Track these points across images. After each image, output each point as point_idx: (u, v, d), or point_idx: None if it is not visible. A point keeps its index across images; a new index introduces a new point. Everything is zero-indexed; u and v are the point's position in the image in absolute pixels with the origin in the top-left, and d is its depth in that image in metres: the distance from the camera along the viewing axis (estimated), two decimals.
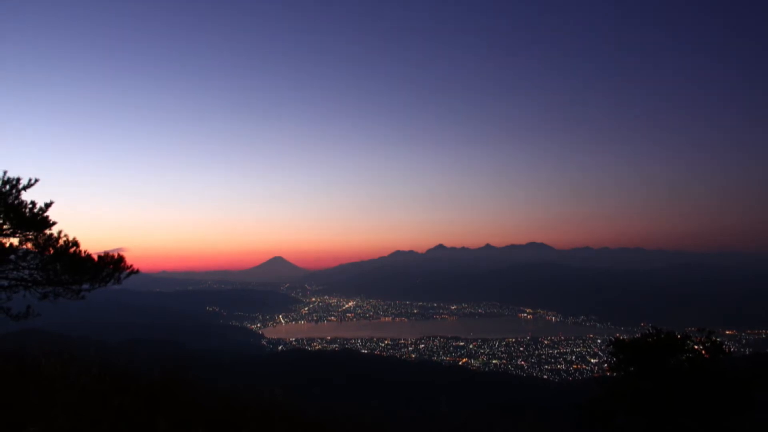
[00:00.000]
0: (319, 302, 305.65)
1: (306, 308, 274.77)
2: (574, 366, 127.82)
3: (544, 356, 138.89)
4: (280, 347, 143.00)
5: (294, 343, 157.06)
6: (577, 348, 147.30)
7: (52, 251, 8.91)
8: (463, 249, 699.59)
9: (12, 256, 8.87)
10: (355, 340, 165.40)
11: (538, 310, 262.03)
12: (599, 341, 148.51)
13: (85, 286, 9.33)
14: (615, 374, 14.40)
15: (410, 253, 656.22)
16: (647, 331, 14.14)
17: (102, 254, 9.32)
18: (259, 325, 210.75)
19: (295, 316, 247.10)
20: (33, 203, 8.50)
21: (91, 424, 5.98)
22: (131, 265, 9.53)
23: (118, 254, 9.39)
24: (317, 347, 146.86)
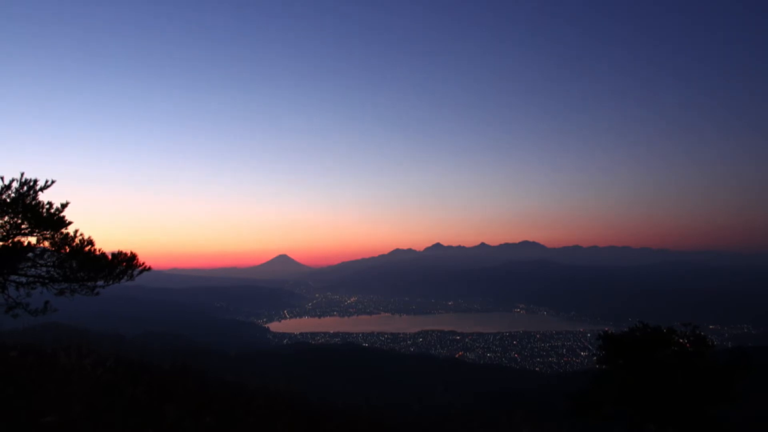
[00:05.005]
0: (322, 298, 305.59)
1: (310, 304, 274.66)
2: (565, 359, 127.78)
3: (536, 349, 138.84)
4: (285, 341, 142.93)
5: (298, 337, 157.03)
6: (567, 342, 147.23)
7: (68, 249, 8.91)
8: (460, 247, 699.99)
9: (30, 254, 8.88)
10: (356, 334, 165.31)
11: (531, 306, 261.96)
12: (589, 335, 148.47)
13: (100, 282, 9.32)
14: (604, 367, 14.41)
15: (409, 251, 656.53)
16: (635, 326, 14.14)
17: (116, 252, 9.32)
18: (265, 319, 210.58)
19: (299, 311, 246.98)
20: (50, 203, 8.50)
21: (105, 413, 5.99)
22: (143, 263, 9.52)
23: (131, 252, 9.38)
24: (320, 341, 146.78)
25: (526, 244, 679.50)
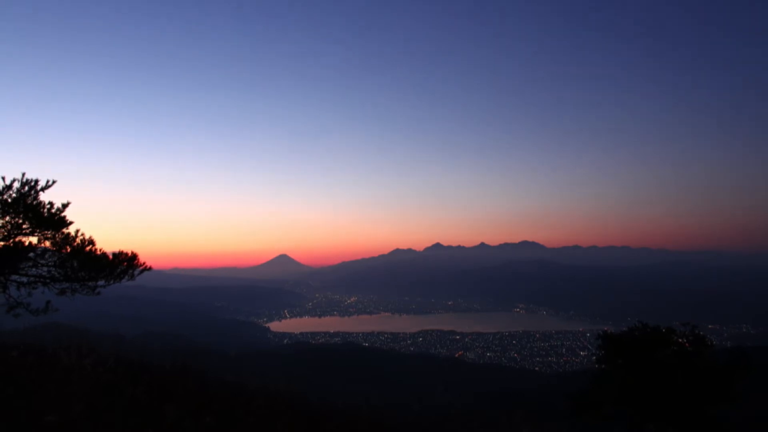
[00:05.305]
0: (322, 298, 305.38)
1: (310, 303, 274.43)
2: (564, 358, 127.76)
3: (535, 349, 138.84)
4: (285, 340, 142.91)
5: (299, 336, 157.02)
6: (567, 341, 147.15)
7: (69, 249, 8.90)
8: (459, 247, 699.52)
9: (31, 254, 8.87)
10: (356, 333, 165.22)
11: (530, 306, 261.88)
12: (588, 335, 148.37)
13: (101, 282, 9.31)
14: (603, 366, 14.39)
15: (409, 251, 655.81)
16: (634, 325, 14.12)
17: (117, 252, 9.31)
18: (265, 319, 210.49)
19: (299, 311, 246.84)
20: (51, 204, 8.49)
21: (105, 413, 5.99)
22: (144, 263, 9.50)
23: (132, 252, 9.37)
24: (321, 341, 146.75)
25: (525, 244, 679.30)
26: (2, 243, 8.45)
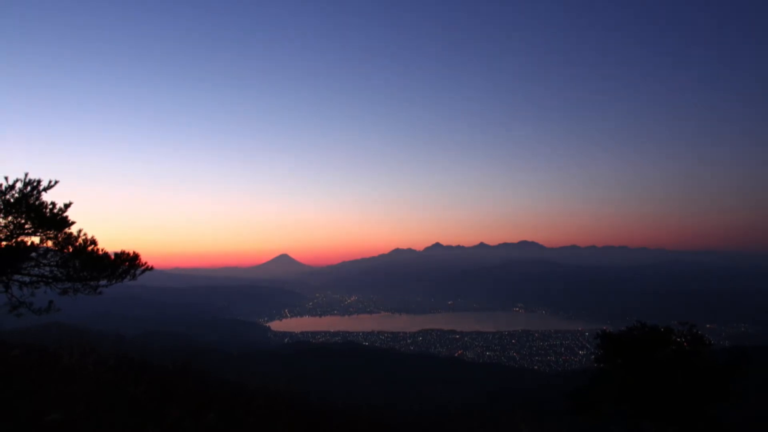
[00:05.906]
0: (322, 297, 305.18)
1: (310, 303, 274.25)
2: (564, 358, 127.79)
3: (535, 348, 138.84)
4: (285, 340, 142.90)
5: (299, 336, 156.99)
6: (566, 341, 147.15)
7: (71, 249, 8.90)
8: (459, 247, 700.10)
9: (33, 254, 8.87)
10: (357, 333, 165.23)
11: (530, 305, 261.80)
12: (587, 334, 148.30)
13: (103, 282, 9.32)
14: (602, 365, 14.40)
15: (409, 251, 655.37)
16: (633, 325, 14.13)
17: (118, 252, 9.31)
18: (266, 318, 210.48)
19: (300, 310, 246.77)
20: (53, 204, 8.49)
21: (106, 412, 5.99)
22: (146, 263, 9.50)
23: (134, 252, 9.37)
24: (321, 340, 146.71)
25: (524, 244, 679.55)
26: (5, 243, 8.45)
